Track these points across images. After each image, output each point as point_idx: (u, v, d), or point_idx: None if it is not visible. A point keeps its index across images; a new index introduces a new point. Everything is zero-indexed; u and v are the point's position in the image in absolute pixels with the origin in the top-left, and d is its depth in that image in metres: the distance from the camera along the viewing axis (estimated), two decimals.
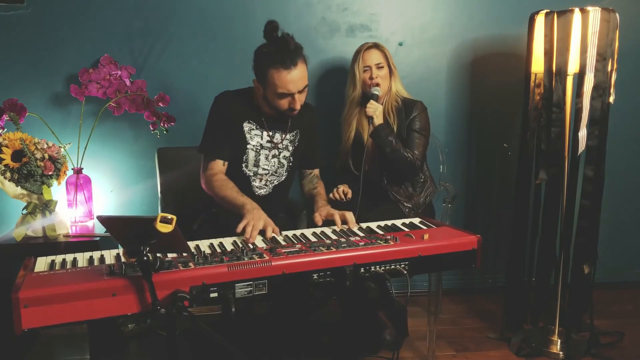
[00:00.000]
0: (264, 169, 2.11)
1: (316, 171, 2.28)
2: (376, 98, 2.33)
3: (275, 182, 2.15)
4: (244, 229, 1.75)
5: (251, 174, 2.10)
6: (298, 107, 1.98)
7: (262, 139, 2.09)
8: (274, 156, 2.11)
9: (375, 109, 2.28)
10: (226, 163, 2.07)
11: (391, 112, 2.39)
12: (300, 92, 1.96)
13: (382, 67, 2.38)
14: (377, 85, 2.36)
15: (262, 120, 2.09)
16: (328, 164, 2.47)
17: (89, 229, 2.41)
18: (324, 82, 2.80)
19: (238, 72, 2.52)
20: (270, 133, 2.10)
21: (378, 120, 2.29)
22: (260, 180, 2.12)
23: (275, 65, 1.90)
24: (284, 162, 2.14)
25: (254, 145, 2.08)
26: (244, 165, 2.09)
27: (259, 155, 2.09)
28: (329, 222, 1.95)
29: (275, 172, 2.13)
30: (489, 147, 2.98)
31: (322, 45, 2.77)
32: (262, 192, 2.13)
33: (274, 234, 1.77)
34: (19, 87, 2.53)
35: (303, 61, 1.95)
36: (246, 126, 2.07)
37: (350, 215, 1.91)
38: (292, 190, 2.51)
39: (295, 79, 1.91)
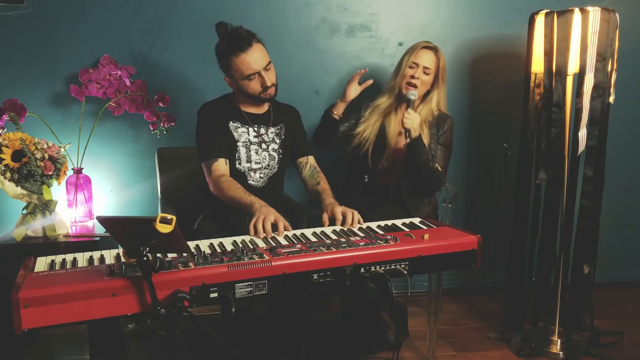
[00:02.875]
0: (256, 162, 2.17)
1: (312, 160, 2.28)
2: (412, 103, 2.26)
3: (270, 175, 2.21)
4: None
5: (245, 169, 2.16)
6: (269, 83, 2.07)
7: (249, 134, 2.17)
8: (263, 150, 2.18)
9: (412, 121, 2.19)
10: (228, 161, 2.12)
11: (424, 124, 2.33)
12: (265, 69, 2.06)
13: (429, 73, 2.31)
14: (415, 87, 2.30)
15: (245, 117, 2.17)
16: (322, 161, 2.48)
17: (89, 229, 2.41)
18: (324, 82, 2.80)
19: None
20: (256, 128, 2.19)
21: (415, 133, 2.21)
22: (255, 173, 2.18)
23: (233, 52, 2.03)
24: (274, 154, 2.20)
25: (243, 142, 2.16)
26: (237, 162, 2.15)
27: (249, 151, 2.16)
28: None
29: (268, 165, 2.19)
30: (489, 147, 2.98)
31: (322, 45, 2.77)
32: (259, 184, 2.19)
33: (285, 231, 1.78)
34: (19, 87, 2.53)
35: (258, 41, 2.06)
36: (232, 125, 2.16)
37: (350, 218, 1.89)
38: (292, 191, 2.51)
39: (254, 57, 2.03)
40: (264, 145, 2.19)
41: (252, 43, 2.02)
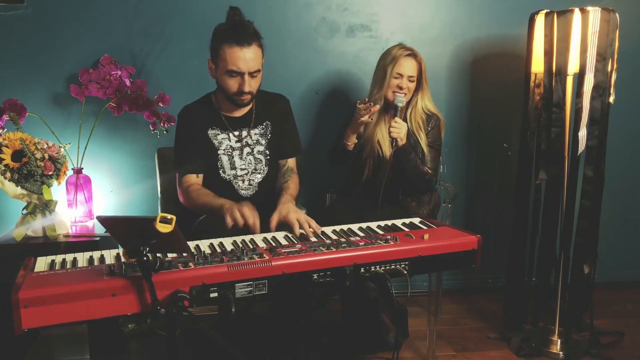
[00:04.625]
0: (241, 169, 2.11)
1: (291, 163, 2.21)
2: (399, 110, 2.24)
3: (259, 180, 2.14)
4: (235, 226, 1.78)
5: (231, 177, 2.11)
6: (246, 89, 1.96)
7: (230, 140, 2.10)
8: (248, 154, 2.11)
9: (399, 131, 2.17)
10: (200, 175, 2.09)
11: (420, 128, 2.32)
12: (251, 74, 1.95)
13: (413, 80, 2.29)
14: (403, 93, 2.27)
15: (224, 122, 2.10)
16: (323, 161, 2.48)
17: (89, 229, 2.41)
18: (323, 82, 2.80)
19: None
20: (236, 132, 2.11)
21: (402, 141, 2.20)
22: (243, 181, 2.11)
23: (228, 40, 1.92)
24: (260, 157, 2.13)
25: (224, 149, 2.09)
26: (220, 171, 2.10)
27: (232, 157, 2.10)
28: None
29: (255, 169, 2.13)
30: (489, 147, 2.98)
31: (322, 45, 2.77)
32: (249, 192, 2.13)
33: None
34: (19, 87, 2.53)
35: (259, 46, 1.96)
36: (211, 133, 2.09)
37: (307, 227, 1.77)
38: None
39: (246, 58, 1.91)
40: (247, 149, 2.10)
41: (252, 44, 1.92)
